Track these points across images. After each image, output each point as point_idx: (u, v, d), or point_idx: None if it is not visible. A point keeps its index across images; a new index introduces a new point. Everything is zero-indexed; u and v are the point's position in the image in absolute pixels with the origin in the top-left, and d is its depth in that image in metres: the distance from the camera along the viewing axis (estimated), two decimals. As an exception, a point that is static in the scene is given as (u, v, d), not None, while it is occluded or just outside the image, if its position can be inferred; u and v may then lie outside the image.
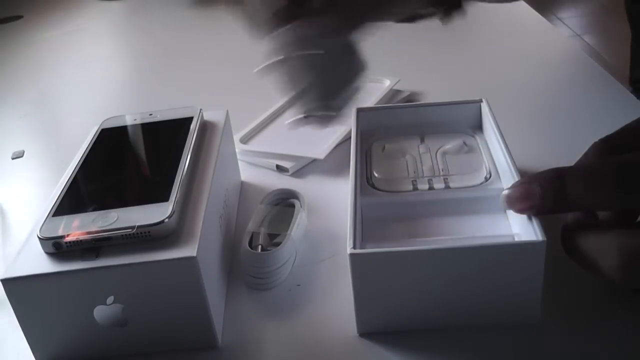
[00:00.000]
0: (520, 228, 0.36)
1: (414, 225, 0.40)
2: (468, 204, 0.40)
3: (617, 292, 0.36)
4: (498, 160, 0.43)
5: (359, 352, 0.35)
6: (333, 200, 0.49)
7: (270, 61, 0.35)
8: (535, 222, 0.34)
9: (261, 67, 0.36)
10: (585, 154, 0.37)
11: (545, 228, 0.33)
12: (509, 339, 0.35)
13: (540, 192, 0.32)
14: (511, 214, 0.38)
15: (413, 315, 0.35)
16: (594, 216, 0.35)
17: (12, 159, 0.63)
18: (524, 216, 0.35)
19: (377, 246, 0.34)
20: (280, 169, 0.54)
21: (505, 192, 0.35)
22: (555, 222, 0.34)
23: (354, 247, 0.34)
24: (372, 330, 0.36)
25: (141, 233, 0.34)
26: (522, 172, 0.38)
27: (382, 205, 0.41)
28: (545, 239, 0.32)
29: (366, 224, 0.40)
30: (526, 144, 0.45)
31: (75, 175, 0.41)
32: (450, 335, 0.35)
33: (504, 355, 0.34)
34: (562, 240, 0.33)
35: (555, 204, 0.32)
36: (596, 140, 0.36)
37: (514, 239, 0.36)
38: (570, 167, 0.32)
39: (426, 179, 0.42)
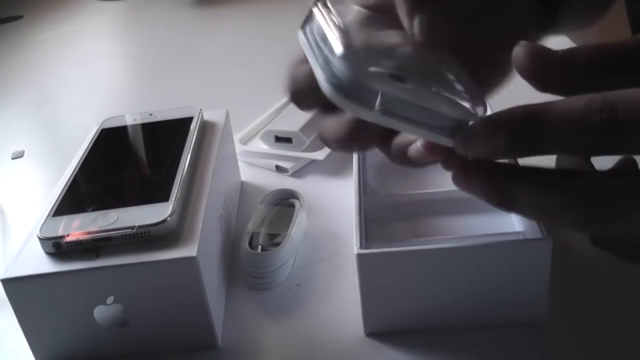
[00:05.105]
0: (524, 226, 0.36)
1: (417, 225, 0.40)
2: (471, 202, 0.40)
3: (624, 291, 0.36)
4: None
5: (366, 352, 0.35)
6: (333, 200, 0.49)
7: None
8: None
9: None
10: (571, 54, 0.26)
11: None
12: (515, 338, 0.35)
13: (506, 137, 0.23)
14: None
15: (420, 314, 0.35)
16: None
17: (12, 159, 0.63)
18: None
19: (381, 246, 0.34)
20: (279, 169, 0.54)
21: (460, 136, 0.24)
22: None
23: (361, 248, 0.34)
24: (379, 330, 0.36)
25: (141, 233, 0.34)
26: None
27: (384, 205, 0.41)
28: (551, 237, 0.32)
29: (369, 224, 0.40)
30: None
31: (75, 175, 0.41)
32: (456, 334, 0.35)
33: (510, 354, 0.34)
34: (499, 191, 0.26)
35: (525, 151, 0.24)
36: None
37: (519, 237, 0.36)
38: (544, 105, 0.24)
39: (428, 178, 0.42)
